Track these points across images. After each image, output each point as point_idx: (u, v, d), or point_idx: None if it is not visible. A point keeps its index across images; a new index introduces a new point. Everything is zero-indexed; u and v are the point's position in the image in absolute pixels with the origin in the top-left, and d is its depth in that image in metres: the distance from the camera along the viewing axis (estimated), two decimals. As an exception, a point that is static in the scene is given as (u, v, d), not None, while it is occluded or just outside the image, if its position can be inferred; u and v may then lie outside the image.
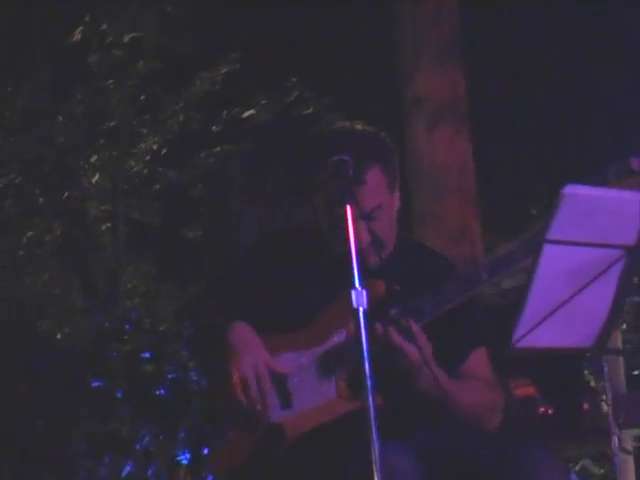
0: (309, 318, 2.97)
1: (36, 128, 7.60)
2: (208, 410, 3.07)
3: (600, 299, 2.40)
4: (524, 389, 4.41)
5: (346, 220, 2.71)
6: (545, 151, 7.38)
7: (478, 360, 3.01)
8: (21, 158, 7.63)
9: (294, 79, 8.56)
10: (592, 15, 6.58)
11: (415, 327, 2.84)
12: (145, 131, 7.78)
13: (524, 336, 2.36)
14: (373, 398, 2.58)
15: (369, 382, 2.59)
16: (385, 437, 2.60)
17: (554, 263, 2.32)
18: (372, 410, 2.57)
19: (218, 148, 8.44)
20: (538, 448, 2.75)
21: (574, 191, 2.27)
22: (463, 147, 6.41)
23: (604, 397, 4.32)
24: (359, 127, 3.03)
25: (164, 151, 8.39)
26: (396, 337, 2.83)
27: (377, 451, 2.55)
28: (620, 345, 4.57)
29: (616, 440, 3.40)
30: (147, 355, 6.10)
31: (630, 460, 4.47)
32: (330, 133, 3.06)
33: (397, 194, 3.05)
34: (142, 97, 7.77)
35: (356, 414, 2.77)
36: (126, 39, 7.62)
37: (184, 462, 5.62)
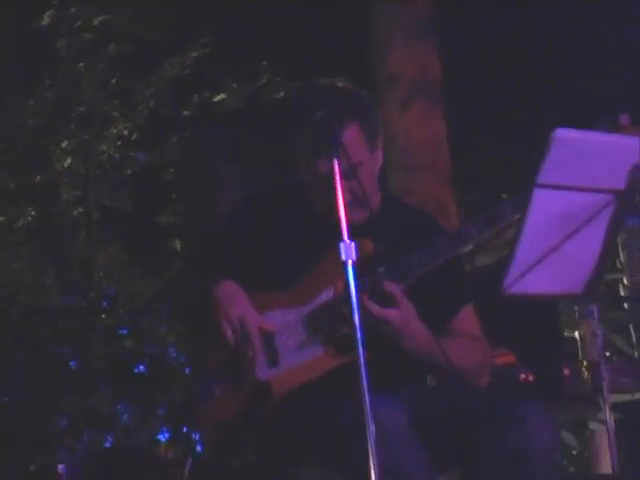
0: (295, 278, 2.96)
1: (5, 112, 7.54)
2: (194, 368, 3.05)
3: (589, 245, 2.40)
4: (504, 357, 4.42)
5: (333, 174, 2.70)
6: (519, 134, 7.41)
7: (466, 317, 3.01)
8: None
9: (264, 63, 8.54)
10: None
11: (395, 289, 2.82)
12: (116, 114, 7.74)
13: (514, 282, 2.35)
14: (364, 350, 2.57)
15: (359, 334, 2.58)
16: (374, 392, 2.59)
17: (544, 208, 2.31)
18: (362, 362, 2.56)
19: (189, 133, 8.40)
20: (528, 401, 2.75)
21: (565, 134, 2.27)
22: (437, 125, 6.41)
23: (585, 363, 4.36)
24: (339, 84, 3.02)
25: (135, 136, 8.35)
26: (375, 309, 2.81)
27: (368, 404, 2.54)
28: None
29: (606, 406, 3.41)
30: (125, 332, 6.07)
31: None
32: (309, 90, 3.04)
33: (379, 152, 3.04)
34: (113, 81, 7.72)
35: (343, 370, 2.77)
36: (96, 22, 7.57)
37: (162, 440, 5.59)
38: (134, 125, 8.29)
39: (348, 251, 2.63)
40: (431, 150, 6.38)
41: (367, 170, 2.96)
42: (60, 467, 3.63)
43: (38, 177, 7.38)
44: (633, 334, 5.32)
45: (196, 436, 5.51)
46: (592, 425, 4.82)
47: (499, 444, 2.67)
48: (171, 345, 5.90)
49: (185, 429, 5.06)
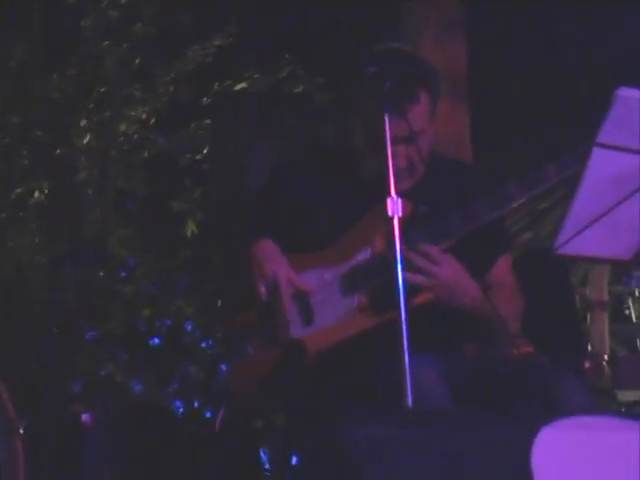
0: (334, 237, 2.95)
1: (28, 88, 7.51)
2: (227, 328, 3.03)
3: (643, 210, 2.38)
4: (522, 348, 4.40)
5: (392, 135, 2.69)
6: (546, 129, 7.37)
7: (504, 266, 3.01)
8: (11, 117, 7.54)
9: (287, 55, 8.50)
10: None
11: (431, 249, 2.81)
12: (138, 94, 7.70)
13: (566, 242, 2.34)
14: (405, 307, 2.55)
15: (402, 291, 2.56)
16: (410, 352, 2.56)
17: (601, 168, 2.30)
18: (404, 318, 2.54)
19: (208, 120, 8.38)
20: (562, 369, 2.75)
21: (628, 94, 2.25)
22: (461, 121, 6.41)
23: (605, 357, 4.34)
24: (407, 50, 2.99)
25: (153, 121, 8.31)
26: (420, 261, 2.80)
27: (407, 361, 2.51)
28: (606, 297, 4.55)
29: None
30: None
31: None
32: (378, 52, 2.98)
33: (432, 125, 3.01)
34: (137, 61, 7.69)
35: (379, 329, 2.75)
36: (123, 1, 7.55)
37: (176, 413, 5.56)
38: (153, 109, 8.24)
39: (395, 207, 2.62)
40: (453, 145, 6.35)
41: (425, 139, 2.94)
42: (84, 416, 3.61)
43: (57, 151, 7.34)
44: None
45: (208, 413, 5.51)
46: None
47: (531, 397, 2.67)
48: (188, 319, 5.87)
49: (197, 405, 5.05)
